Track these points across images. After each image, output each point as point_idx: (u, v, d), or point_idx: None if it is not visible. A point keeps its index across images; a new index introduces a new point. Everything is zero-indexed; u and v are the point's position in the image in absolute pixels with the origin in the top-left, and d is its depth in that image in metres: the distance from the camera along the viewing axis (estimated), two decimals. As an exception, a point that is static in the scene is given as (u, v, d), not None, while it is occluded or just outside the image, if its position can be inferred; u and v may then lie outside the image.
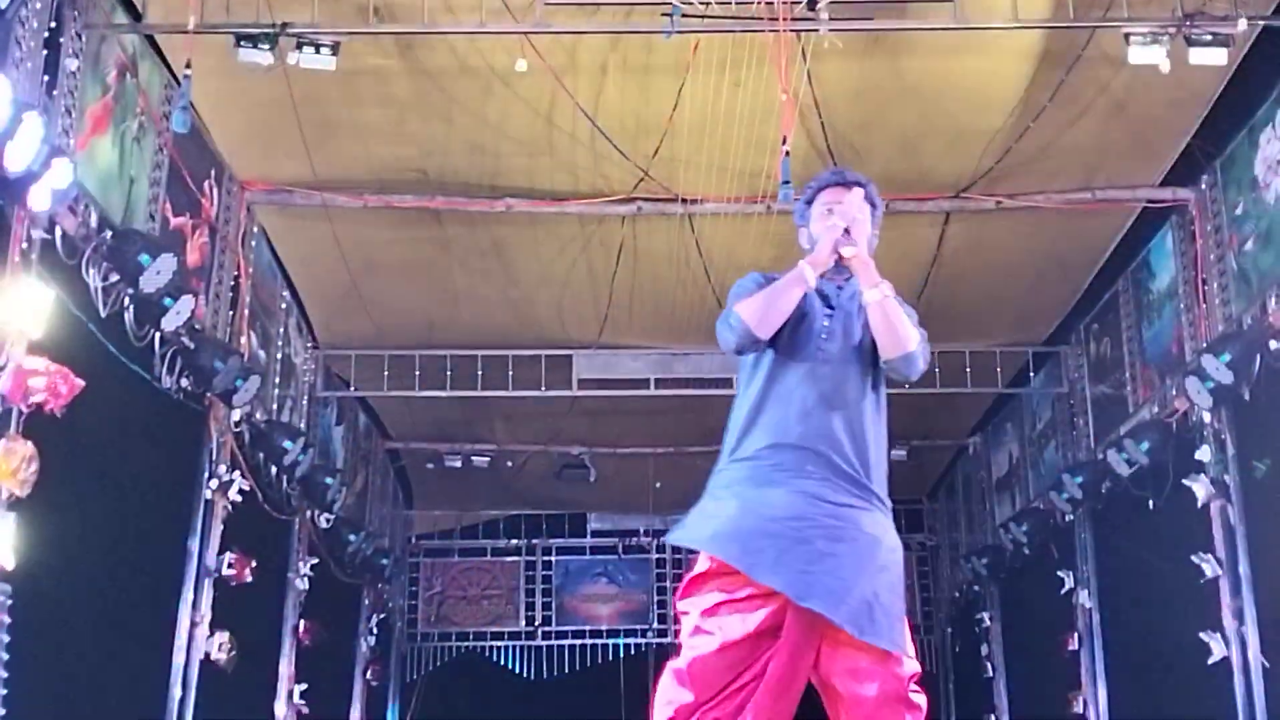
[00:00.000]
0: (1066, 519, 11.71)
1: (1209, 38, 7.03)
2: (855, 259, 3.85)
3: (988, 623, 14.45)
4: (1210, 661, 8.54)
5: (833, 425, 3.77)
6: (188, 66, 7.05)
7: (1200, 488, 8.78)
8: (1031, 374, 12.51)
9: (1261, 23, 7.13)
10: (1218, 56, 7.12)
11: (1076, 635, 11.59)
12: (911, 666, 3.65)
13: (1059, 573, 11.76)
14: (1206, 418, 8.81)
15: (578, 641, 17.25)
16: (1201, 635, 8.61)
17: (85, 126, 6.86)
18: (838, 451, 3.75)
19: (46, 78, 6.37)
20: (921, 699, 3.66)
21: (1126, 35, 7.10)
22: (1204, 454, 8.81)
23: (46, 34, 6.35)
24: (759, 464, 3.77)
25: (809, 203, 4.06)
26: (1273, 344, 7.84)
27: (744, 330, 3.81)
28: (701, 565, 3.77)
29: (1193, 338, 9.15)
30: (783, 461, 3.74)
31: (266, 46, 6.99)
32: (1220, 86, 8.06)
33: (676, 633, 3.87)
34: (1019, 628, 13.86)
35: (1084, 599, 11.52)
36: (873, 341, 3.85)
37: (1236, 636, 8.44)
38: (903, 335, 3.80)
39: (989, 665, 14.34)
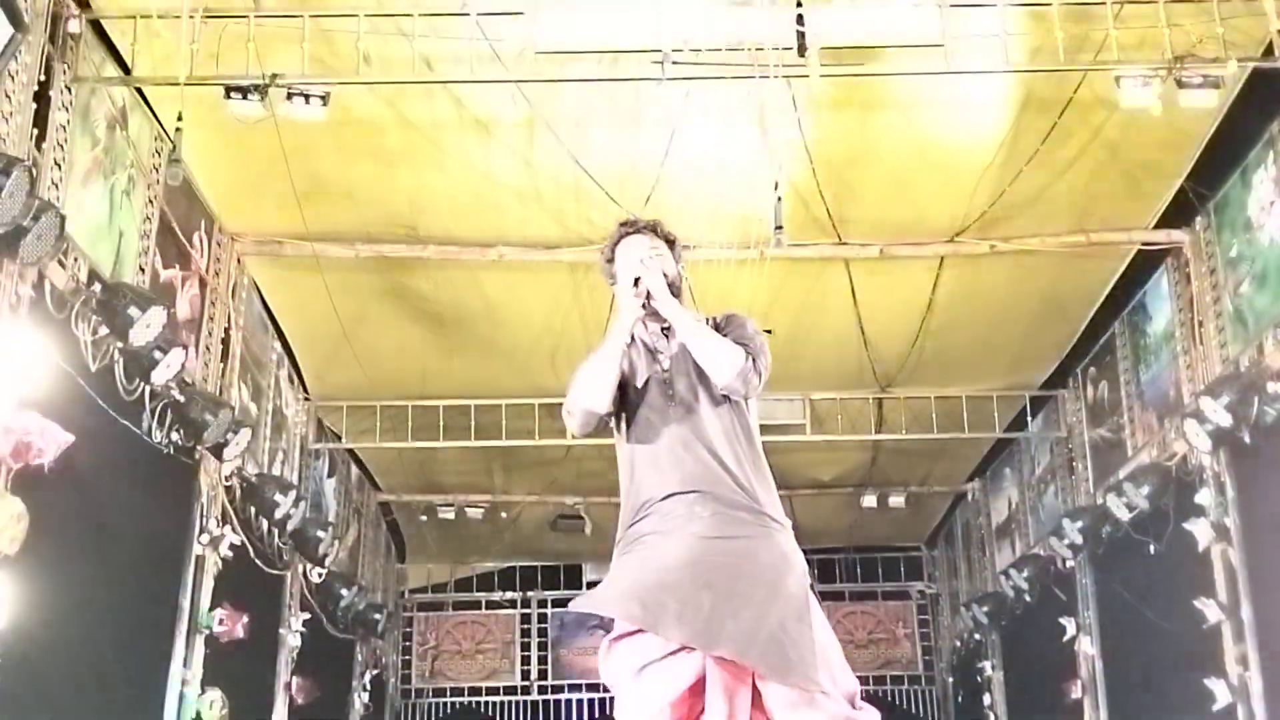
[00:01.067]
0: (1067, 565, 11.64)
1: (1199, 80, 7.03)
2: (659, 304, 3.86)
3: (990, 671, 14.32)
4: (1215, 709, 8.44)
5: (705, 461, 3.75)
6: (179, 119, 7.04)
7: (1201, 531, 8.72)
8: (1029, 418, 12.47)
9: (1251, 64, 7.14)
10: (1208, 98, 7.13)
11: (1079, 683, 11.48)
12: (841, 691, 3.57)
13: (1060, 620, 11.67)
14: (1206, 461, 8.76)
15: (575, 696, 17.09)
16: (1205, 682, 8.51)
17: (75, 179, 6.83)
18: (719, 484, 3.73)
19: (36, 130, 6.36)
20: (870, 714, 3.61)
21: (1117, 78, 7.11)
22: (1204, 497, 8.76)
23: (36, 87, 6.35)
24: (650, 521, 3.75)
25: (610, 262, 4.08)
26: (1271, 386, 7.80)
27: (580, 411, 3.85)
28: (616, 629, 3.70)
29: (1190, 380, 9.12)
30: (671, 511, 3.72)
31: (256, 98, 6.97)
32: (1212, 128, 8.06)
33: None
34: (1021, 676, 13.74)
35: (1086, 646, 11.42)
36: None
37: (1240, 682, 8.35)
38: (724, 355, 3.78)
39: (992, 716, 14.20)
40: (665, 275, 3.93)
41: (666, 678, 3.57)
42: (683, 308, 3.91)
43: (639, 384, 3.90)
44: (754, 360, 3.79)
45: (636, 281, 3.87)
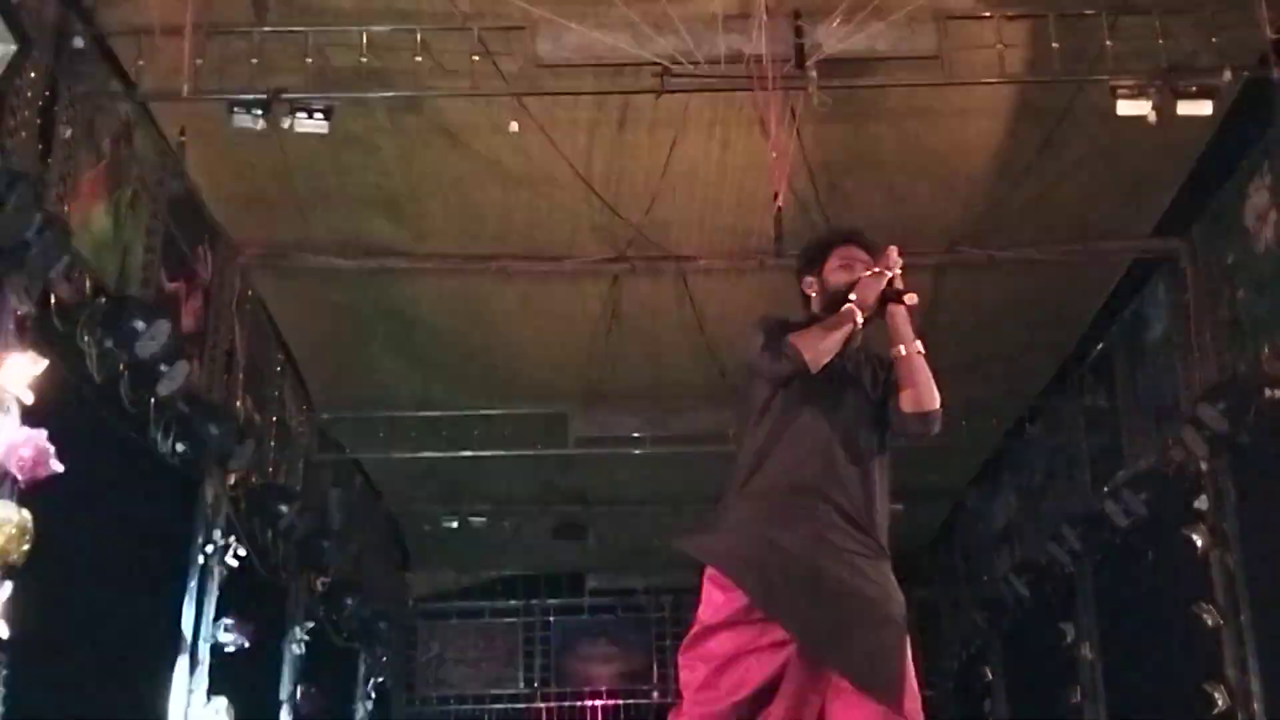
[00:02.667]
0: (1066, 571, 11.66)
1: (1195, 89, 7.08)
2: (898, 312, 3.92)
3: (990, 677, 14.34)
4: (1214, 713, 8.46)
5: (842, 470, 3.80)
6: (182, 133, 7.10)
7: (1200, 537, 8.75)
8: (1028, 425, 12.49)
9: (1246, 73, 7.19)
10: (1204, 108, 7.17)
11: (1079, 688, 11.51)
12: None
13: (1060, 625, 11.70)
14: (1204, 467, 8.79)
15: (578, 703, 17.10)
16: (1205, 686, 8.54)
17: (80, 193, 6.89)
18: (846, 496, 3.77)
19: (41, 145, 6.40)
20: None
21: (1113, 88, 7.16)
22: (1202, 503, 8.78)
23: (41, 102, 6.38)
24: (770, 502, 3.78)
25: (824, 251, 4.10)
26: (1268, 392, 7.84)
27: (800, 361, 3.81)
28: (708, 618, 3.74)
29: (1188, 387, 9.14)
30: (793, 502, 3.76)
31: (260, 111, 7.03)
32: (1208, 137, 8.11)
33: (677, 690, 3.83)
34: (1021, 682, 13.76)
35: (1086, 651, 11.45)
36: (883, 396, 3.88)
37: (1239, 688, 8.38)
38: (931, 391, 3.89)
39: (993, 721, 14.23)
40: None
41: (751, 671, 3.62)
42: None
43: (807, 376, 3.88)
44: (941, 414, 3.92)
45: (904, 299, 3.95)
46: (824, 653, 3.56)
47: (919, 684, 3.64)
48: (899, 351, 3.91)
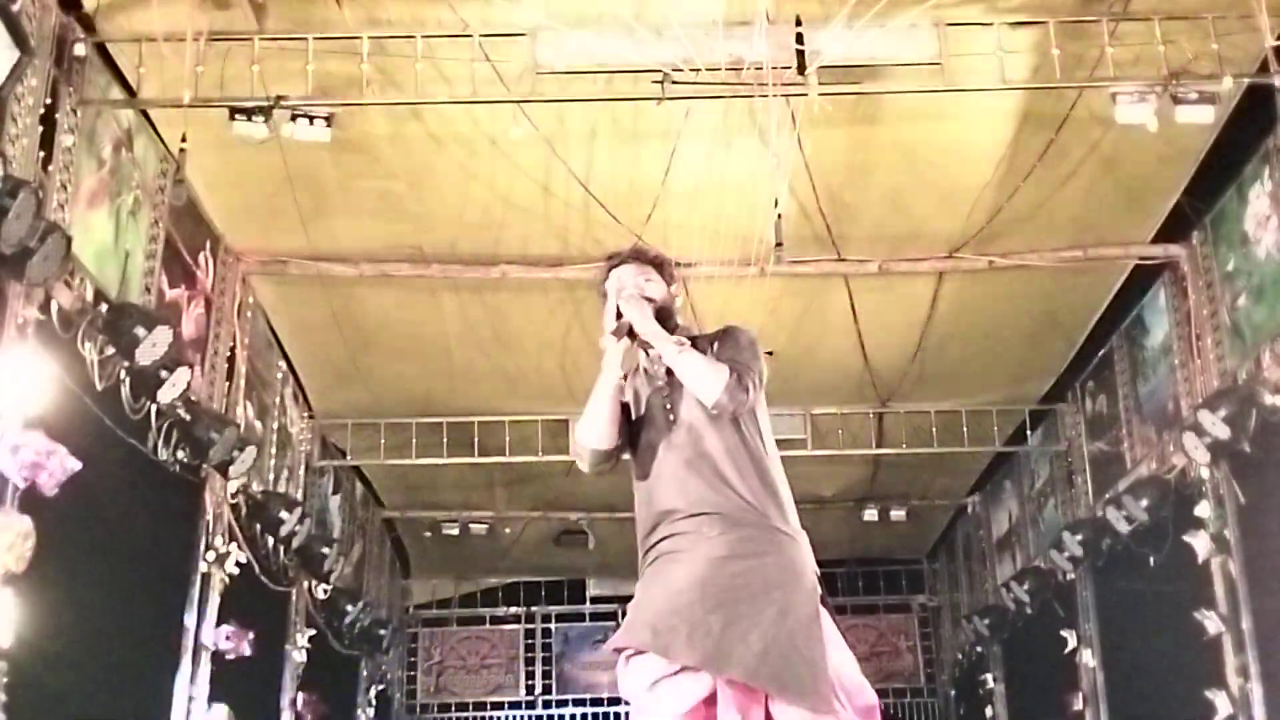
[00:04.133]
0: (1068, 577, 11.66)
1: (1195, 96, 7.10)
2: (640, 335, 3.83)
3: (992, 684, 14.34)
4: None
5: (709, 481, 3.75)
6: (183, 140, 7.11)
7: (1200, 544, 8.75)
8: (1029, 432, 12.51)
9: (1247, 80, 7.20)
10: (1204, 114, 7.19)
11: (1081, 695, 11.50)
12: (856, 707, 3.57)
13: (1062, 632, 11.70)
14: (1205, 473, 8.80)
15: (579, 710, 17.09)
16: (1206, 693, 8.54)
17: (81, 201, 6.90)
18: (725, 503, 3.72)
19: (42, 153, 6.41)
20: None
21: (1113, 95, 7.17)
22: (1203, 510, 8.79)
23: (42, 110, 6.40)
24: (662, 545, 3.76)
25: (604, 297, 4.02)
26: (1268, 398, 7.84)
27: (586, 451, 3.87)
28: (630, 649, 3.73)
29: (1189, 394, 9.16)
30: (681, 532, 3.72)
31: (261, 119, 7.04)
32: (1208, 144, 8.12)
33: None
34: (1023, 688, 13.75)
35: (1087, 658, 11.44)
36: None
37: (1241, 694, 8.38)
38: (708, 376, 3.75)
39: (994, 728, 14.22)
40: (654, 300, 3.91)
41: (678, 692, 3.57)
42: (665, 332, 3.84)
43: (642, 409, 3.91)
44: (739, 376, 3.75)
45: (619, 316, 3.84)
46: (735, 673, 3.50)
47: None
48: (668, 364, 3.84)
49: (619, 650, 3.67)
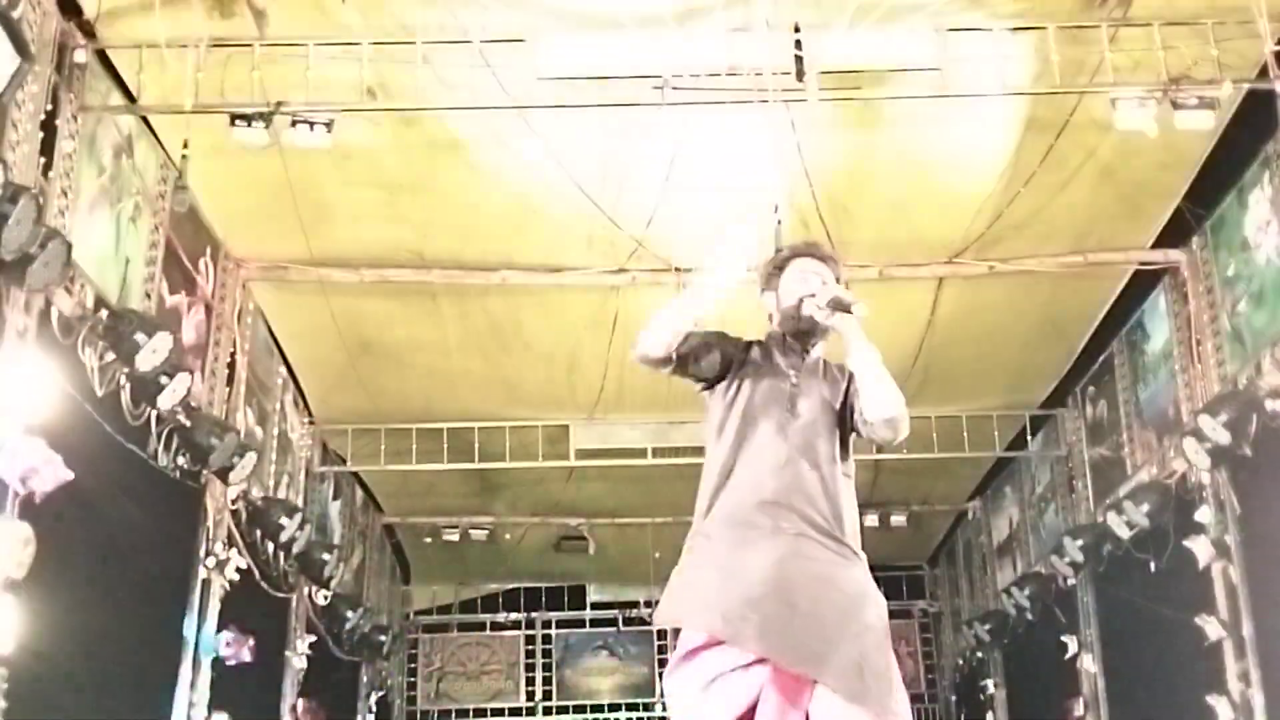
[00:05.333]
0: (1068, 583, 11.65)
1: (1195, 101, 7.11)
2: (848, 321, 3.86)
3: (992, 690, 14.32)
4: (1217, 725, 8.48)
5: (805, 481, 3.77)
6: (185, 147, 7.11)
7: (1201, 549, 8.74)
8: (1029, 437, 12.50)
9: (1246, 86, 7.20)
10: (1204, 120, 7.20)
11: (1082, 701, 11.49)
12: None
13: (1062, 637, 11.68)
14: (1206, 478, 8.80)
15: (579, 716, 17.08)
16: (1207, 699, 8.54)
17: (82, 207, 6.90)
18: (812, 505, 3.74)
19: (43, 159, 6.41)
20: None
21: (1113, 100, 7.18)
22: (1204, 515, 8.78)
23: (43, 116, 6.41)
24: (734, 523, 3.74)
25: (780, 268, 4.07)
26: (1269, 404, 7.84)
27: (640, 353, 3.86)
28: (689, 642, 3.72)
29: (1189, 399, 9.16)
30: (758, 519, 3.71)
31: (261, 125, 7.05)
32: (1208, 149, 8.13)
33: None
34: (1024, 694, 13.74)
35: (1088, 664, 11.43)
36: (842, 404, 3.87)
37: (1242, 699, 8.37)
38: (892, 396, 3.80)
39: (995, 734, 14.21)
40: None
41: (737, 690, 3.58)
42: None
43: (762, 390, 3.88)
44: (907, 417, 3.82)
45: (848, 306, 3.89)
46: (806, 669, 3.52)
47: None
48: (854, 361, 3.87)
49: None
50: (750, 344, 3.99)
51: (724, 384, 3.91)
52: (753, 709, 3.57)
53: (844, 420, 3.88)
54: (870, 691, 3.51)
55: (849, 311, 3.86)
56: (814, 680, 3.53)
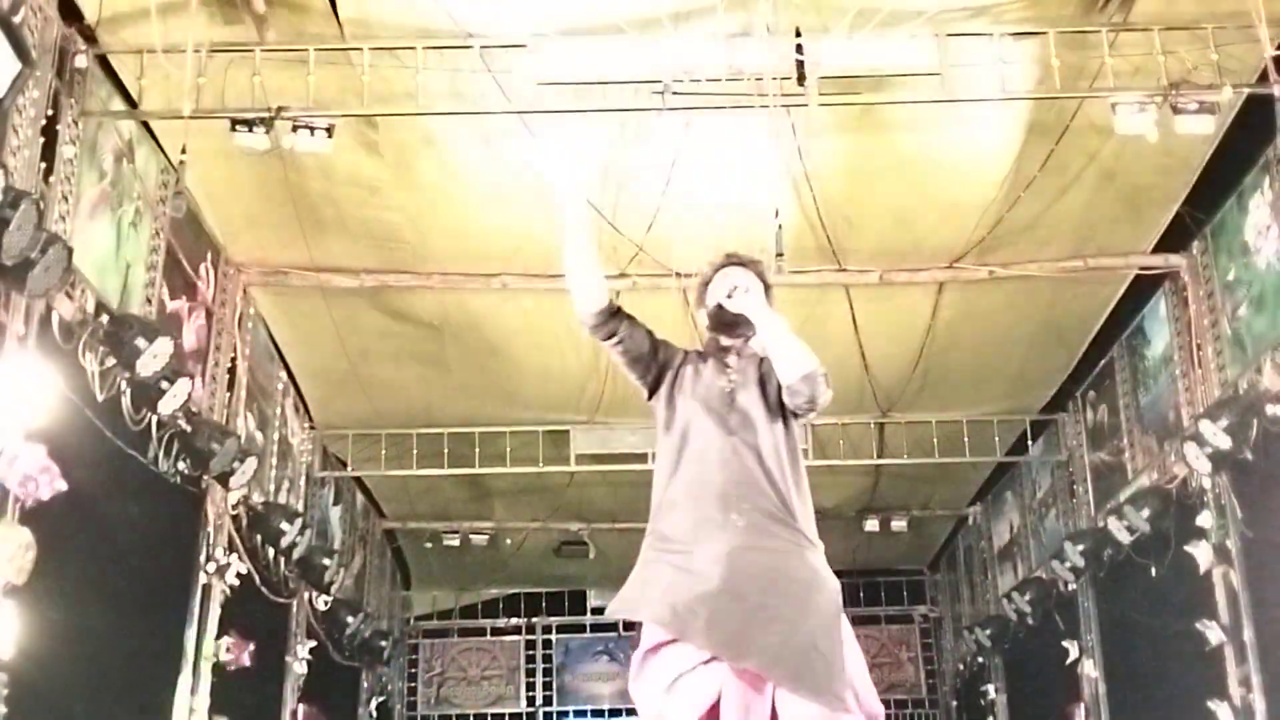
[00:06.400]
0: (1069, 588, 11.65)
1: (1195, 106, 7.10)
2: (745, 300, 3.96)
3: (993, 695, 14.30)
4: (1218, 730, 8.47)
5: (751, 472, 3.81)
6: (183, 152, 7.11)
7: (1202, 554, 8.74)
8: (1030, 442, 12.50)
9: (1246, 90, 7.20)
10: (1204, 124, 7.19)
11: (1082, 706, 11.49)
12: (865, 712, 3.62)
13: (1064, 643, 11.68)
14: (1206, 483, 8.79)
15: (580, 721, 17.10)
16: (1208, 704, 8.53)
17: (82, 212, 6.90)
18: (761, 495, 3.78)
19: (44, 164, 6.42)
20: None
21: (1113, 105, 7.18)
22: (1205, 519, 8.78)
23: (44, 121, 6.40)
24: (685, 519, 3.79)
25: (707, 284, 4.15)
26: (1270, 408, 7.83)
27: (590, 317, 4.03)
28: (647, 641, 3.74)
29: (1190, 403, 9.16)
30: (708, 513, 3.75)
31: (261, 130, 7.05)
32: (1208, 154, 8.13)
33: None
34: (1024, 699, 13.73)
35: (1089, 669, 11.42)
36: (777, 390, 3.90)
37: (1243, 704, 8.36)
38: (802, 353, 3.85)
39: (996, 739, 14.20)
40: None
41: (699, 688, 3.60)
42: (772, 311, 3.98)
43: (703, 387, 3.95)
44: (826, 374, 3.85)
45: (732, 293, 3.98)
46: (750, 663, 3.55)
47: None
48: (761, 334, 3.94)
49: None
50: (689, 351, 4.08)
51: (665, 388, 4.00)
52: (717, 704, 3.59)
53: (783, 406, 3.91)
54: (820, 679, 3.53)
55: (730, 298, 3.96)
56: (758, 671, 3.56)
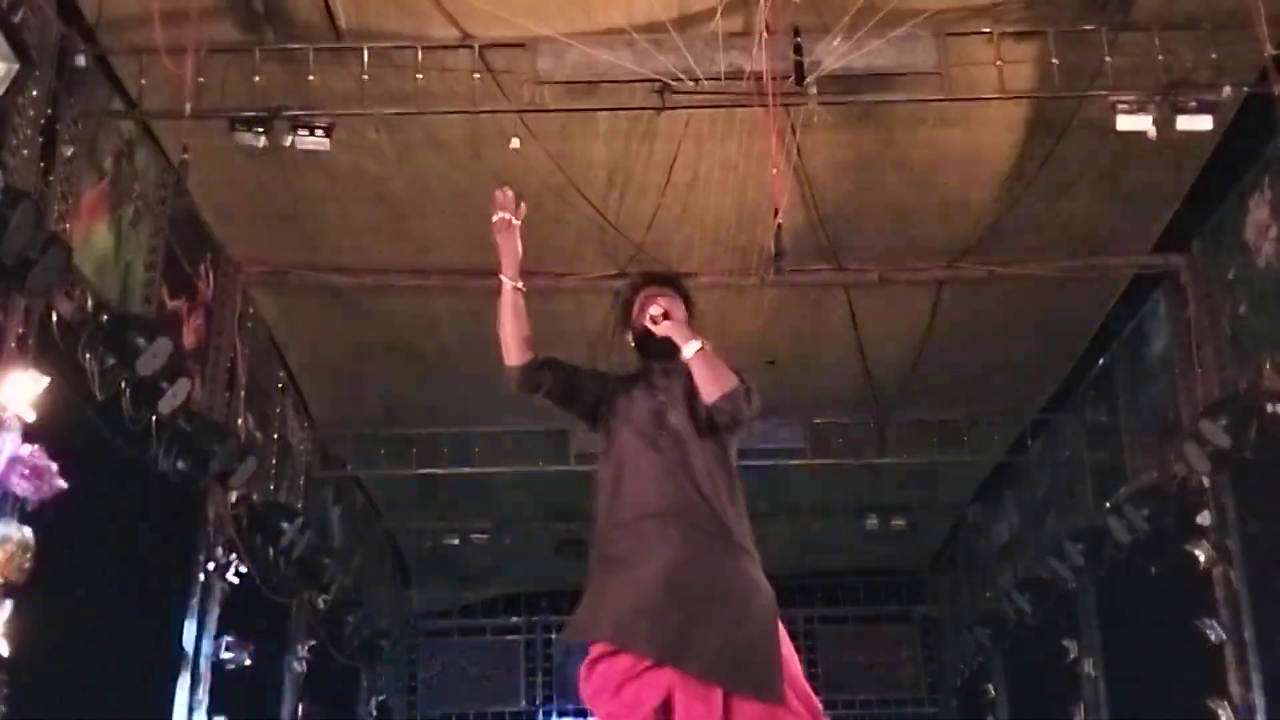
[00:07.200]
0: (1069, 587, 11.63)
1: (1195, 105, 7.09)
2: (669, 326, 4.08)
3: (993, 694, 14.30)
4: (1218, 729, 8.46)
5: (684, 490, 3.95)
6: (184, 151, 7.11)
7: (1202, 553, 8.73)
8: (1029, 441, 12.50)
9: (1246, 89, 7.20)
10: (1204, 123, 7.18)
11: (1083, 705, 11.48)
12: (808, 709, 3.73)
13: (1064, 642, 11.67)
14: (1206, 482, 8.79)
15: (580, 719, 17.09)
16: (1209, 703, 8.52)
17: (82, 211, 6.90)
18: (695, 510, 3.92)
19: (43, 164, 6.41)
20: None
21: (1113, 104, 7.17)
22: (1205, 519, 8.78)
23: (43, 121, 6.40)
24: (624, 542, 3.94)
25: (627, 304, 4.31)
26: (1270, 408, 7.83)
27: (515, 371, 4.24)
28: (593, 653, 3.89)
29: (1189, 403, 9.14)
30: (646, 531, 3.90)
31: (261, 130, 7.04)
32: (1208, 153, 8.12)
33: None
34: (1024, 699, 13.72)
35: (1089, 668, 11.42)
36: (707, 408, 4.01)
37: (1243, 704, 8.36)
38: (721, 375, 3.99)
39: (996, 738, 14.19)
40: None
41: (645, 691, 3.73)
42: (692, 331, 4.08)
43: (634, 411, 4.12)
44: (748, 389, 4.00)
45: (656, 319, 4.11)
46: (691, 667, 3.68)
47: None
48: (684, 358, 4.04)
49: (578, 646, 3.84)
50: (622, 377, 4.26)
51: (603, 418, 4.18)
52: (665, 707, 3.70)
53: (712, 421, 4.04)
54: (759, 679, 3.69)
55: (656, 324, 4.10)
56: (698, 675, 3.68)
